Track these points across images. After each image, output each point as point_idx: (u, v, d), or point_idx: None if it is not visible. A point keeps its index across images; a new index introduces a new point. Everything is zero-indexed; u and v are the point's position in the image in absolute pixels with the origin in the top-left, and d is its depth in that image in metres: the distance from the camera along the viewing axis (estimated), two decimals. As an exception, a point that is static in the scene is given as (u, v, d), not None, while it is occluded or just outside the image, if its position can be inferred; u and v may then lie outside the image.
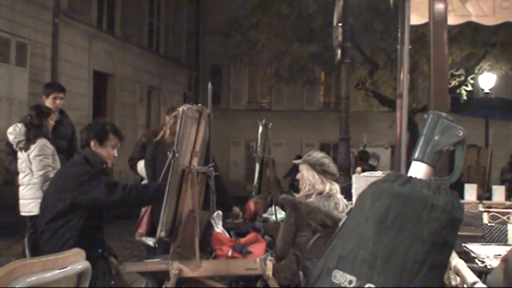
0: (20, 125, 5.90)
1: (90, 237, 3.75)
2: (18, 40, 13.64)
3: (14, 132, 5.86)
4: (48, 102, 6.49)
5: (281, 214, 5.67)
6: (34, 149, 5.73)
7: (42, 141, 5.77)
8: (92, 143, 3.98)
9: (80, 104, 15.66)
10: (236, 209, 5.78)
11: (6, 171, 5.85)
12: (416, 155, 1.91)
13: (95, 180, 3.79)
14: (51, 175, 5.44)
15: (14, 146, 5.90)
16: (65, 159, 6.15)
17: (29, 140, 5.77)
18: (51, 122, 6.05)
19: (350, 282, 1.70)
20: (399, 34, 5.41)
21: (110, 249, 4.11)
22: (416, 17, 5.44)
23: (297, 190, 4.63)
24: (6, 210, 5.77)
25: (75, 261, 2.10)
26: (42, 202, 4.11)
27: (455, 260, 2.58)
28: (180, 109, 3.82)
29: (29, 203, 5.73)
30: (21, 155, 5.82)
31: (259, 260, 3.76)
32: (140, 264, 3.98)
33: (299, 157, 6.03)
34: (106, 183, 3.78)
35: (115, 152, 4.08)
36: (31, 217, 5.52)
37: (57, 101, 6.56)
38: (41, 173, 5.66)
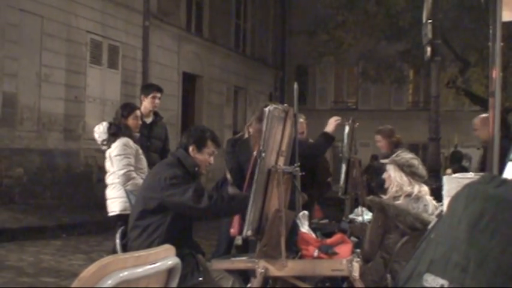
0: (104, 123, 5.94)
1: (178, 235, 3.83)
2: (110, 43, 14.16)
3: (98, 131, 5.88)
4: (147, 102, 6.67)
5: (367, 215, 5.58)
6: (115, 148, 5.63)
7: (123, 140, 5.65)
8: (191, 148, 4.05)
9: (170, 105, 16.07)
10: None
11: (99, 169, 5.95)
12: (511, 156, 1.84)
13: (184, 185, 3.85)
14: (134, 174, 5.50)
15: (100, 145, 5.91)
16: (158, 159, 6.31)
17: (110, 138, 5.72)
18: (137, 120, 5.99)
19: (442, 286, 1.66)
20: (490, 31, 5.20)
21: (198, 246, 4.19)
22: (509, 13, 5.20)
23: (372, 191, 4.55)
24: (98, 208, 5.92)
25: (166, 257, 2.15)
26: (136, 198, 4.24)
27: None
28: (266, 109, 3.84)
29: (111, 202, 5.67)
30: (106, 154, 5.77)
31: (345, 261, 3.73)
32: (227, 262, 4.03)
33: (374, 157, 5.91)
34: (194, 190, 3.83)
35: (211, 159, 4.13)
36: (120, 215, 5.50)
37: (156, 101, 6.72)
38: (122, 172, 5.52)
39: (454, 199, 1.81)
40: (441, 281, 1.68)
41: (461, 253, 1.69)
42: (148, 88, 7.06)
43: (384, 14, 16.75)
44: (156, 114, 6.88)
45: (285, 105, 4.19)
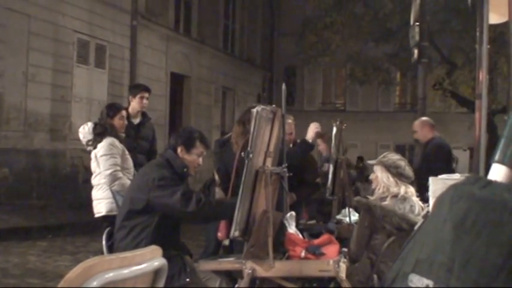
0: (89, 124, 5.87)
1: (165, 236, 3.83)
2: (97, 42, 14.11)
3: (83, 131, 5.81)
4: (135, 103, 6.63)
5: (355, 216, 5.60)
6: (101, 148, 5.56)
7: (109, 140, 5.59)
8: (179, 149, 4.05)
9: (157, 105, 16.04)
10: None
11: (85, 170, 5.89)
12: (496, 157, 1.85)
13: (172, 187, 3.85)
14: (120, 175, 5.46)
15: (85, 146, 5.83)
16: (145, 160, 6.28)
17: (96, 138, 5.66)
18: (122, 120, 5.95)
19: (427, 286, 1.67)
20: (478, 33, 5.24)
21: (185, 247, 4.19)
22: (496, 15, 5.27)
23: (358, 192, 4.58)
24: (84, 209, 5.88)
25: (152, 258, 2.14)
26: (123, 199, 4.23)
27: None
28: (254, 110, 3.84)
29: (97, 203, 5.59)
30: (92, 155, 5.70)
31: (332, 261, 3.73)
32: (214, 263, 4.03)
33: (360, 159, 5.95)
34: (182, 193, 3.82)
35: (200, 160, 4.14)
36: (106, 216, 5.44)
37: (144, 101, 6.69)
38: (108, 172, 5.45)
39: (440, 200, 1.82)
40: (426, 281, 1.69)
41: (446, 253, 1.70)
42: (136, 88, 7.02)
43: (372, 16, 16.84)
44: (144, 114, 6.83)
45: (273, 106, 4.19)
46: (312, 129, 5.51)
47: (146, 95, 6.76)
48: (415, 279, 1.69)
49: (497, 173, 1.83)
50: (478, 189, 1.75)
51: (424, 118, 7.44)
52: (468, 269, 1.66)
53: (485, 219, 1.70)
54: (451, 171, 6.07)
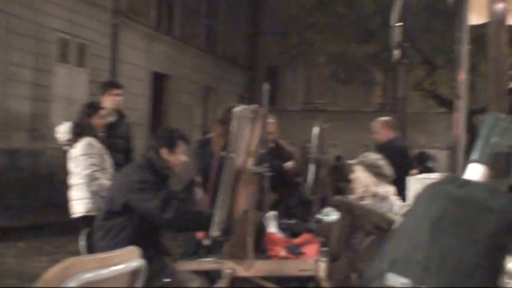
0: (67, 123, 5.79)
1: (145, 237, 3.80)
2: (78, 41, 14.01)
3: (61, 130, 5.74)
4: (108, 101, 6.39)
5: (335, 215, 5.62)
6: (79, 148, 5.48)
7: (87, 140, 5.51)
8: (163, 151, 4.02)
9: (139, 105, 15.97)
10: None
11: (64, 170, 5.78)
12: (473, 156, 1.88)
13: (152, 192, 3.82)
14: (98, 175, 5.39)
15: (63, 145, 5.75)
16: (123, 159, 6.21)
17: (74, 138, 5.57)
18: (101, 120, 5.88)
19: (404, 284, 1.69)
20: (458, 34, 5.28)
21: (165, 248, 4.17)
22: (476, 16, 5.30)
23: (339, 191, 4.61)
24: (63, 209, 5.83)
25: (130, 259, 2.13)
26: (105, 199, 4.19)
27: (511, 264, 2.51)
28: (236, 110, 3.84)
29: (75, 203, 5.50)
30: (70, 155, 5.61)
31: (312, 261, 3.75)
32: (194, 263, 4.02)
33: (338, 158, 5.97)
34: (162, 199, 3.78)
35: (184, 158, 4.11)
36: (84, 217, 5.35)
37: (116, 98, 6.46)
38: (86, 172, 5.37)
39: (417, 199, 1.84)
40: (403, 280, 1.70)
41: (423, 252, 1.71)
42: (107, 86, 6.76)
43: (354, 16, 16.90)
44: (118, 112, 6.63)
45: (255, 105, 4.19)
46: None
47: (118, 91, 6.52)
48: (392, 278, 1.71)
49: (474, 172, 1.86)
50: (454, 188, 1.77)
51: (384, 118, 7.48)
52: (445, 268, 1.68)
53: (462, 218, 1.72)
54: (406, 172, 6.08)
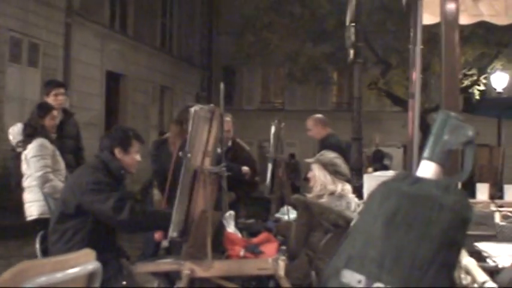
0: (19, 124, 5.66)
1: (100, 239, 3.74)
2: (30, 40, 13.73)
3: (13, 132, 5.61)
4: (51, 101, 6.17)
5: (293, 214, 5.66)
6: (31, 149, 5.36)
7: (39, 141, 5.38)
8: (117, 151, 3.96)
9: (93, 105, 15.75)
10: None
11: (17, 174, 5.63)
12: (425, 154, 1.91)
13: (105, 193, 3.76)
14: (51, 176, 5.29)
15: (15, 147, 5.62)
16: (73, 159, 6.10)
17: (26, 139, 5.45)
18: (53, 121, 5.76)
19: (359, 281, 1.71)
20: (411, 34, 5.38)
21: (122, 250, 4.12)
22: (429, 16, 5.42)
23: (296, 190, 4.65)
24: (17, 212, 5.69)
25: (86, 262, 2.11)
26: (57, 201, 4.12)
27: (466, 259, 2.57)
28: (192, 109, 3.82)
29: (29, 206, 5.40)
30: (22, 156, 5.47)
31: (271, 260, 3.76)
32: (152, 265, 3.99)
33: (291, 156, 6.02)
34: (115, 200, 3.73)
35: (138, 157, 4.07)
36: (38, 219, 5.25)
37: (60, 97, 6.26)
38: (39, 174, 5.26)
39: (370, 197, 1.86)
40: (358, 277, 1.72)
41: (377, 249, 1.74)
42: (49, 85, 6.54)
43: (309, 16, 17.04)
44: (65, 112, 6.48)
45: (211, 105, 4.18)
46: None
47: (61, 90, 6.33)
48: (348, 275, 1.73)
49: (426, 169, 1.89)
50: (407, 185, 1.80)
51: (317, 116, 7.63)
52: (399, 264, 1.70)
53: (415, 215, 1.75)
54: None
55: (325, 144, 6.98)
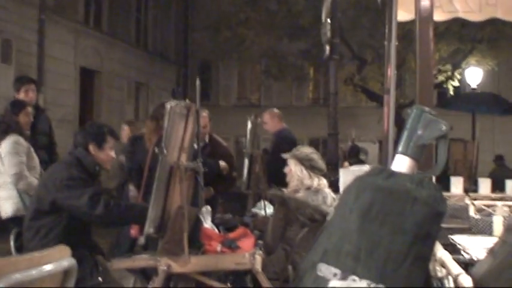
0: None
1: (75, 236, 3.73)
2: (3, 37, 13.53)
3: None
4: (22, 97, 6.15)
5: (270, 209, 5.68)
6: (5, 146, 5.30)
7: (13, 138, 5.33)
8: (91, 147, 3.94)
9: (67, 101, 15.60)
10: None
11: None
12: (400, 148, 1.93)
13: (80, 188, 3.74)
14: (26, 173, 5.25)
15: None
16: (46, 155, 6.03)
17: (0, 137, 5.37)
18: (28, 117, 5.72)
19: (334, 274, 1.72)
20: (386, 30, 5.42)
21: (97, 246, 4.10)
22: (404, 13, 5.47)
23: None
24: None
25: (61, 258, 2.09)
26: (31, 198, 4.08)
27: (441, 252, 2.61)
28: (168, 105, 3.81)
29: (3, 203, 5.32)
30: None
31: (248, 254, 3.76)
32: (128, 261, 3.96)
33: (265, 151, 6.08)
34: (90, 195, 3.71)
35: (113, 153, 4.06)
36: (13, 217, 5.18)
37: (30, 94, 6.23)
38: (13, 171, 5.21)
39: (346, 191, 1.88)
40: (334, 270, 1.74)
41: (352, 242, 1.75)
42: (18, 82, 6.51)
43: (285, 12, 17.05)
44: (37, 108, 6.42)
45: (187, 101, 4.17)
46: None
47: (32, 86, 6.30)
48: (324, 268, 1.74)
49: (400, 163, 1.91)
50: (382, 179, 1.82)
51: (273, 110, 7.78)
52: (374, 257, 1.72)
53: (390, 209, 1.77)
54: None
55: (280, 136, 7.20)
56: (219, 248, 3.92)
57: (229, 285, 4.10)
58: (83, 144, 3.95)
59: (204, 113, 5.91)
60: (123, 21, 19.23)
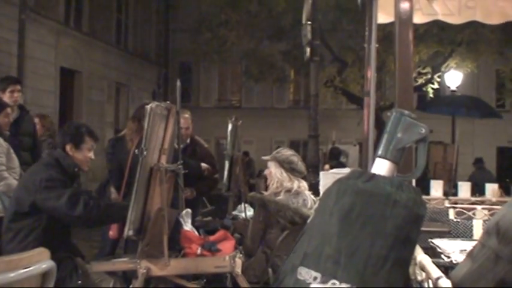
0: None
1: (55, 238, 3.69)
2: (-18, 37, 13.39)
3: None
4: (6, 98, 6.05)
5: (250, 211, 5.68)
6: None
7: None
8: (68, 147, 3.91)
9: (47, 102, 15.45)
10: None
11: None
12: (379, 152, 1.94)
13: (59, 189, 3.72)
14: (5, 174, 5.17)
15: None
16: (29, 157, 5.98)
17: None
18: (7, 118, 5.66)
19: (315, 278, 1.72)
20: (366, 33, 5.45)
21: (77, 249, 4.07)
22: (384, 15, 5.50)
23: (251, 188, 4.69)
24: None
25: (40, 261, 2.07)
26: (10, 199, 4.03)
27: (421, 256, 2.62)
28: (148, 107, 3.79)
29: None
30: None
31: (228, 257, 3.76)
32: (108, 264, 3.93)
33: (245, 154, 6.03)
34: (69, 196, 3.69)
35: (91, 155, 4.01)
36: None
37: (15, 94, 6.15)
38: None
39: (326, 194, 1.88)
40: (314, 274, 1.74)
41: (332, 246, 1.75)
42: (4, 82, 6.38)
43: (266, 14, 17.07)
44: (21, 108, 6.35)
45: (167, 102, 4.15)
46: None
47: (17, 87, 6.21)
48: (304, 272, 1.74)
49: (380, 166, 1.92)
50: (362, 182, 1.83)
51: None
52: (354, 260, 1.73)
53: (370, 212, 1.78)
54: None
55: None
56: (199, 250, 3.91)
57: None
58: (61, 144, 3.92)
59: (186, 114, 5.90)
60: (104, 22, 19.10)
